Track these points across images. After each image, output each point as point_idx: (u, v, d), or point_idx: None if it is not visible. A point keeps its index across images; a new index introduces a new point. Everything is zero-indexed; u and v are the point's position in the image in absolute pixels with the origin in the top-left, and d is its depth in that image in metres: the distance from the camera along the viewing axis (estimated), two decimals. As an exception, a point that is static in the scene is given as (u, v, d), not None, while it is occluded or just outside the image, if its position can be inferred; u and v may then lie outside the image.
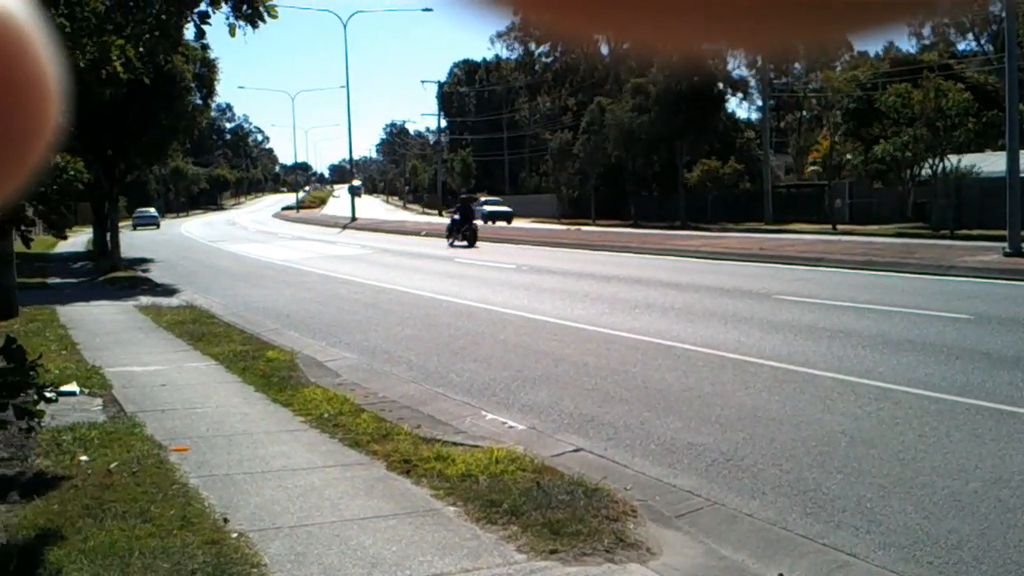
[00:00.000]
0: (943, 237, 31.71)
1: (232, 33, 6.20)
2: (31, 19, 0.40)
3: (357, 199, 73.26)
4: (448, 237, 34.99)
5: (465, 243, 33.64)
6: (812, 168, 53.61)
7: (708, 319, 13.43)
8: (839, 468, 6.36)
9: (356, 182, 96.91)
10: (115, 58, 6.26)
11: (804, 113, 78.88)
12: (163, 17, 6.12)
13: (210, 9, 6.24)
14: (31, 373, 5.54)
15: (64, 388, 8.52)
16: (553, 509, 5.31)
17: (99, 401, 8.62)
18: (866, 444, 6.92)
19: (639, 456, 6.84)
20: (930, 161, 36.73)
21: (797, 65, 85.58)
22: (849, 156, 44.17)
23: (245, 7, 6.27)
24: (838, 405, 8.11)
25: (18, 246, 12.18)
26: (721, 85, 54.35)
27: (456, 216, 35.17)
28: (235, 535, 4.98)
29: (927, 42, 69.80)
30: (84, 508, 5.38)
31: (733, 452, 6.82)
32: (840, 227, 38.88)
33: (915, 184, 40.41)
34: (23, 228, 5.51)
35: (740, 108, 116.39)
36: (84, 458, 6.54)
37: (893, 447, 6.83)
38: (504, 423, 7.88)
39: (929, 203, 37.75)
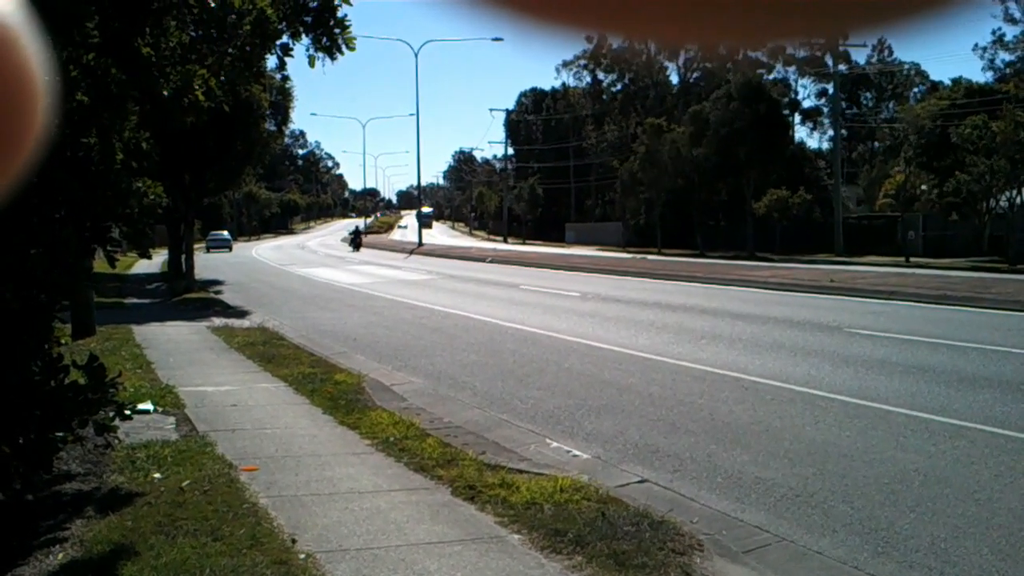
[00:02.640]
0: (1020, 272, 30.83)
1: (312, 64, 6.37)
2: (18, 21, 0.42)
3: (427, 229, 77.05)
4: (350, 246, 62.56)
5: (355, 251, 58.48)
6: (885, 200, 52.60)
7: (777, 351, 13.24)
8: (912, 507, 6.21)
9: (427, 209, 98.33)
10: (198, 87, 6.46)
11: (876, 144, 77.65)
12: (247, 49, 6.31)
13: (291, 41, 6.42)
14: (111, 391, 5.70)
15: (139, 406, 8.74)
16: (618, 540, 5.28)
17: (172, 420, 8.82)
18: (940, 483, 6.75)
19: (706, 489, 6.76)
20: (1007, 194, 35.80)
21: (868, 94, 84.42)
22: (924, 187, 43.28)
23: (325, 40, 6.43)
24: (911, 442, 7.92)
25: (97, 266, 12.54)
26: (788, 112, 53.86)
27: (353, 236, 63.68)
28: (303, 556, 5.04)
29: (1007, 72, 68.20)
30: (157, 525, 5.50)
31: (802, 488, 6.70)
32: (913, 260, 38.03)
33: (991, 217, 39.45)
34: (109, 249, 5.70)
35: (811, 138, 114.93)
36: (157, 475, 6.69)
37: (968, 486, 6.65)
38: (568, 452, 7.86)
39: (1006, 237, 36.79)
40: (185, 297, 25.02)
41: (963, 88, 48.56)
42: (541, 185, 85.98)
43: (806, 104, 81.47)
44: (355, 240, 62.08)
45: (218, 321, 18.76)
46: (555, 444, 8.12)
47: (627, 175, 60.61)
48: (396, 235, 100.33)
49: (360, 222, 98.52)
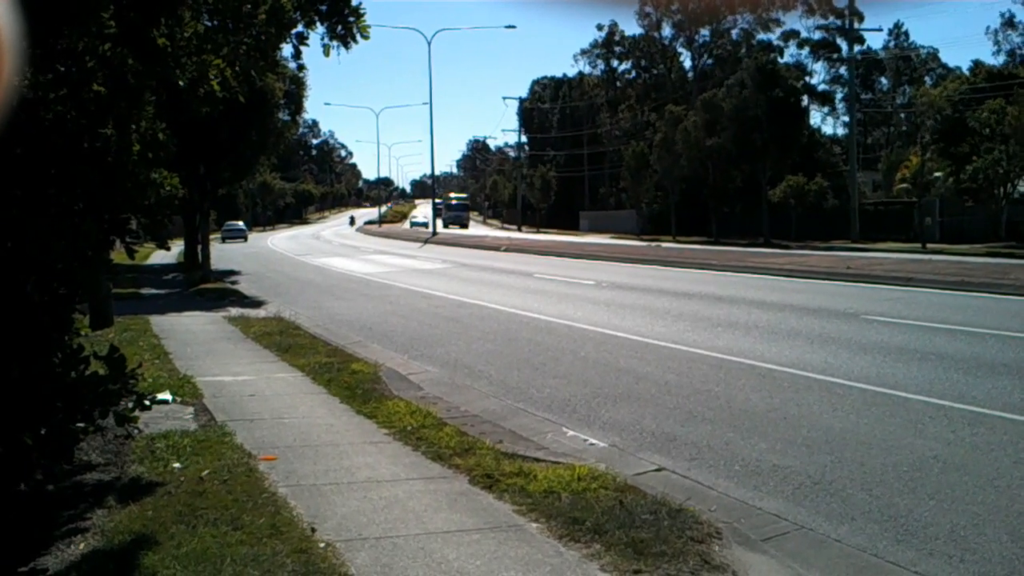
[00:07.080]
0: (1039, 257, 30.60)
1: (327, 54, 6.37)
2: None
3: (462, 229, 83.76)
4: (349, 225, 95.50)
5: (351, 226, 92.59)
6: (901, 185, 52.24)
7: (793, 339, 13.19)
8: (931, 494, 6.18)
9: (458, 195, 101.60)
10: (213, 77, 6.47)
11: (892, 129, 77.06)
12: (262, 38, 6.31)
13: (306, 30, 6.42)
14: (131, 382, 5.73)
15: (158, 396, 8.77)
16: (637, 529, 5.27)
17: (191, 409, 8.86)
18: (959, 470, 6.72)
19: (723, 477, 6.75)
20: (1024, 179, 35.53)
21: (884, 79, 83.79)
22: (939, 173, 42.94)
23: (340, 28, 6.43)
24: (930, 429, 7.89)
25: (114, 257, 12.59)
26: (803, 98, 53.54)
27: (349, 219, 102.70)
28: (322, 545, 5.06)
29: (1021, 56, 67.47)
30: (177, 514, 5.53)
31: (821, 476, 6.69)
32: (930, 246, 37.79)
33: (1008, 202, 39.13)
34: (128, 240, 5.72)
35: (825, 124, 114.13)
36: (177, 465, 6.73)
37: (987, 473, 6.61)
38: (585, 440, 7.86)
39: (1023, 222, 36.50)
40: (201, 287, 25.14)
41: (984, 71, 48.09)
42: (555, 173, 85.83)
43: (820, 89, 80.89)
44: (352, 222, 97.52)
45: (234, 311, 18.84)
46: (572, 433, 8.13)
47: (633, 160, 60.37)
48: (409, 224, 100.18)
49: (373, 211, 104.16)
